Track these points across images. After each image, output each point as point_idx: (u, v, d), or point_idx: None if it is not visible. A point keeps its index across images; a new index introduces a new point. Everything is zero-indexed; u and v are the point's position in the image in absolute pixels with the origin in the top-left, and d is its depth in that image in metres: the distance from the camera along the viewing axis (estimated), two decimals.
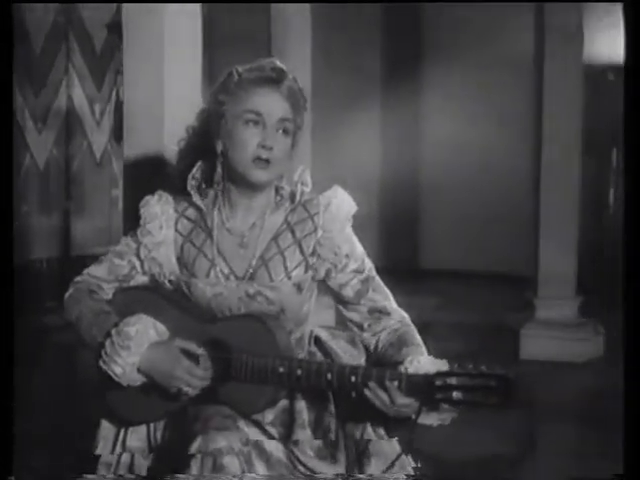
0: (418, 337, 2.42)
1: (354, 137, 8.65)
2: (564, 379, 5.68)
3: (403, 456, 2.37)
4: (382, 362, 2.37)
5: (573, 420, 5.11)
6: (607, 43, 7.64)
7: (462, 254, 8.44)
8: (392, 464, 2.34)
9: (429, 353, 2.37)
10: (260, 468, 2.22)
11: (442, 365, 2.23)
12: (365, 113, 8.69)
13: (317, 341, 2.49)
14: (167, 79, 3.18)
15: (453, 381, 2.15)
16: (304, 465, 2.27)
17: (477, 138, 8.42)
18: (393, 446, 2.39)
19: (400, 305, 2.51)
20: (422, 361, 2.28)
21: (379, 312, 2.43)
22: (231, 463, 2.17)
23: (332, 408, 2.37)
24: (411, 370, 2.25)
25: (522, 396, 5.36)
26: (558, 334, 5.98)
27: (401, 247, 8.76)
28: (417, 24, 8.70)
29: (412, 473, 2.38)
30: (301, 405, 2.36)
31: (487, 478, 4.20)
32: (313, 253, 2.40)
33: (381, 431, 2.39)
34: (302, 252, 2.39)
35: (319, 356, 2.45)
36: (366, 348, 2.45)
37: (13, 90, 2.21)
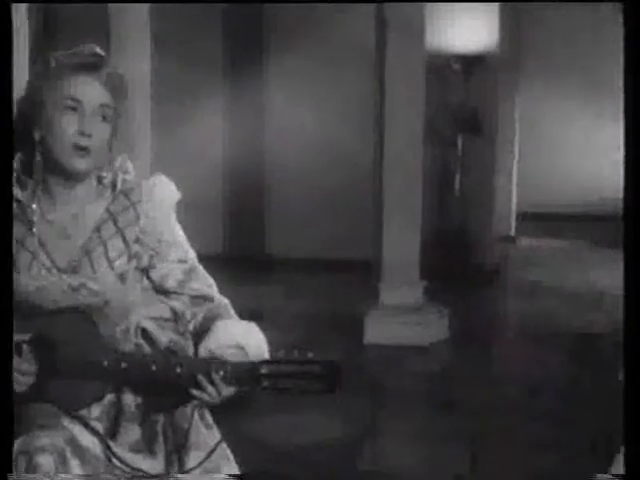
0: (235, 315, 2.41)
1: (197, 126, 8.59)
2: (409, 363, 5.77)
3: (223, 444, 2.36)
4: (200, 338, 2.34)
5: (419, 403, 5.20)
6: (450, 33, 7.80)
7: (308, 242, 8.47)
8: (211, 452, 2.32)
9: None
10: (75, 465, 2.16)
11: (256, 341, 2.24)
12: (208, 102, 8.64)
13: (144, 333, 2.45)
14: None
15: (279, 368, 2.15)
16: (119, 459, 2.23)
17: (322, 128, 8.48)
18: (213, 434, 2.38)
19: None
20: (230, 324, 2.30)
21: (203, 299, 2.41)
22: (45, 461, 2.11)
23: (159, 400, 2.33)
24: (222, 338, 2.25)
25: (366, 381, 5.43)
26: (403, 319, 6.08)
27: (248, 236, 8.75)
28: (260, 15, 8.68)
29: (232, 460, 2.38)
30: (128, 398, 2.33)
31: (329, 462, 4.24)
32: (136, 242, 2.35)
33: (209, 420, 2.38)
34: (125, 241, 2.34)
35: (146, 348, 2.42)
36: (192, 336, 2.43)
37: (12, 91, 2.13)
